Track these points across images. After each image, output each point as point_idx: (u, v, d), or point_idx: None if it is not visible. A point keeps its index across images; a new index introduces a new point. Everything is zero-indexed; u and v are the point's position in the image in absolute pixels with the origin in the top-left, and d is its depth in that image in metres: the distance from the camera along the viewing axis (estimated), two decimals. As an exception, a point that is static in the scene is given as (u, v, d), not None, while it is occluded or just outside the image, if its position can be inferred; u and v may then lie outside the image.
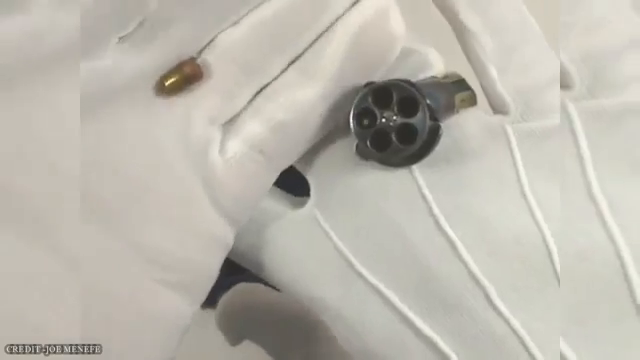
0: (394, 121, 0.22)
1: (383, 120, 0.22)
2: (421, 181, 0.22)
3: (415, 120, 0.22)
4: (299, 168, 0.24)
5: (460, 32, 0.24)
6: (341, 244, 0.23)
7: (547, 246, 0.21)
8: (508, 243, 0.21)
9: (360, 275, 0.22)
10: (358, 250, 0.22)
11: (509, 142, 0.22)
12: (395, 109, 0.22)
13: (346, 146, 0.23)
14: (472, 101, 0.24)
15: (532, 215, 0.21)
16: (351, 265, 0.22)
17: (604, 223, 0.21)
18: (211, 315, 0.29)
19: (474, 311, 0.21)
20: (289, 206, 0.24)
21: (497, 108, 0.23)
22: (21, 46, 0.19)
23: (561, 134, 0.22)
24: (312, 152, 0.24)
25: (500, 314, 0.21)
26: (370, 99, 0.22)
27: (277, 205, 0.24)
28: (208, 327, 0.29)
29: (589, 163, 0.21)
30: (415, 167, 0.22)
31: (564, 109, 0.22)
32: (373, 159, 0.23)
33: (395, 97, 0.22)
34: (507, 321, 0.21)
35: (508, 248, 0.21)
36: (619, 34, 0.22)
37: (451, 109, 0.23)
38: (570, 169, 0.21)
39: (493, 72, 0.23)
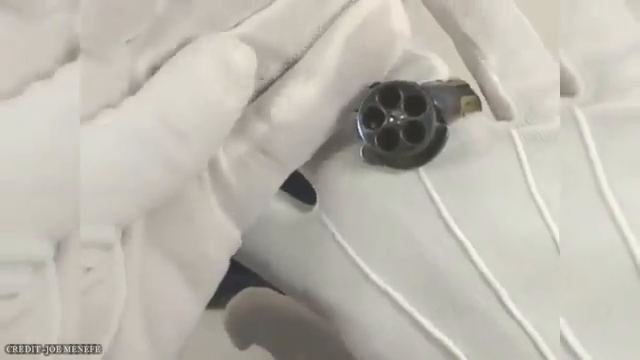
0: (401, 120, 0.22)
1: (391, 119, 0.22)
2: (428, 183, 0.22)
3: (422, 118, 0.22)
4: (304, 174, 0.24)
5: (458, 39, 0.24)
6: (348, 247, 0.22)
7: (557, 246, 0.21)
8: (518, 244, 0.21)
9: (368, 277, 0.22)
10: (365, 253, 0.22)
11: (515, 145, 0.22)
12: (402, 108, 0.22)
13: (352, 150, 0.23)
14: (477, 105, 0.24)
15: (541, 216, 0.21)
16: (358, 267, 0.22)
17: (616, 223, 0.20)
18: (216, 317, 0.29)
19: (486, 313, 0.21)
20: (296, 210, 0.24)
21: (500, 113, 0.23)
22: None
23: (568, 137, 0.22)
24: (317, 157, 0.24)
25: (512, 316, 0.21)
26: (377, 98, 0.22)
27: (284, 208, 0.24)
28: (215, 329, 0.29)
29: (598, 164, 0.21)
30: (422, 169, 0.22)
31: (571, 114, 0.22)
32: (380, 161, 0.23)
33: (402, 96, 0.22)
34: (519, 322, 0.20)
35: (518, 249, 0.21)
36: (621, 38, 0.22)
37: (457, 111, 0.23)
38: (579, 170, 0.21)
39: (494, 77, 0.23)
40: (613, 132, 0.21)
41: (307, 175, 0.24)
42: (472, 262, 0.21)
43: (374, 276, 0.22)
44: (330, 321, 0.23)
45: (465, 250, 0.21)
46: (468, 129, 0.23)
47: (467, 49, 0.24)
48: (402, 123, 0.22)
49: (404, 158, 0.22)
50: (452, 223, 0.22)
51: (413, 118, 0.22)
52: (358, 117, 0.22)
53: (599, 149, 0.21)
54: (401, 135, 0.22)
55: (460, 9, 0.24)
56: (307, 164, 0.24)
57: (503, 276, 0.21)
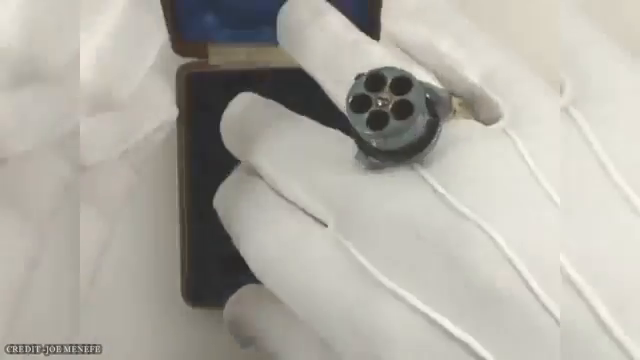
0: (389, 101, 0.22)
1: (379, 102, 0.22)
2: (432, 180, 0.22)
3: (410, 96, 0.21)
4: (309, 203, 0.24)
5: (431, 55, 0.24)
6: (359, 255, 0.22)
7: (569, 233, 0.20)
8: (533, 232, 0.20)
9: (378, 282, 0.21)
10: (376, 258, 0.22)
11: (514, 142, 0.22)
12: (389, 90, 0.22)
13: (351, 166, 0.23)
14: (469, 110, 0.24)
15: (551, 200, 0.21)
16: (368, 274, 0.22)
17: (632, 206, 0.20)
18: (216, 317, 0.29)
19: (510, 297, 0.20)
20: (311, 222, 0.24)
21: (490, 116, 0.23)
22: None
23: (568, 134, 0.22)
24: (317, 178, 0.23)
25: (537, 297, 0.19)
26: (363, 85, 0.22)
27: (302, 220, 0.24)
28: (215, 329, 0.29)
29: (604, 154, 0.21)
30: (423, 171, 0.22)
31: (565, 112, 0.22)
32: (378, 163, 0.22)
33: (388, 79, 0.22)
34: (544, 306, 0.19)
35: (537, 234, 0.20)
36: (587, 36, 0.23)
37: (449, 106, 0.23)
38: (585, 159, 0.21)
39: (476, 80, 0.23)
40: (611, 128, 0.21)
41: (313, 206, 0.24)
42: (494, 243, 0.20)
43: (384, 280, 0.21)
44: (335, 331, 0.22)
45: (483, 231, 0.20)
46: (463, 131, 0.23)
47: (444, 65, 0.24)
48: (390, 102, 0.22)
49: (399, 152, 0.22)
50: (467, 211, 0.21)
51: (401, 97, 0.22)
52: (346, 104, 0.22)
53: (600, 139, 0.21)
54: (390, 114, 0.21)
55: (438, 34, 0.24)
56: (307, 188, 0.23)
57: (526, 255, 0.20)
